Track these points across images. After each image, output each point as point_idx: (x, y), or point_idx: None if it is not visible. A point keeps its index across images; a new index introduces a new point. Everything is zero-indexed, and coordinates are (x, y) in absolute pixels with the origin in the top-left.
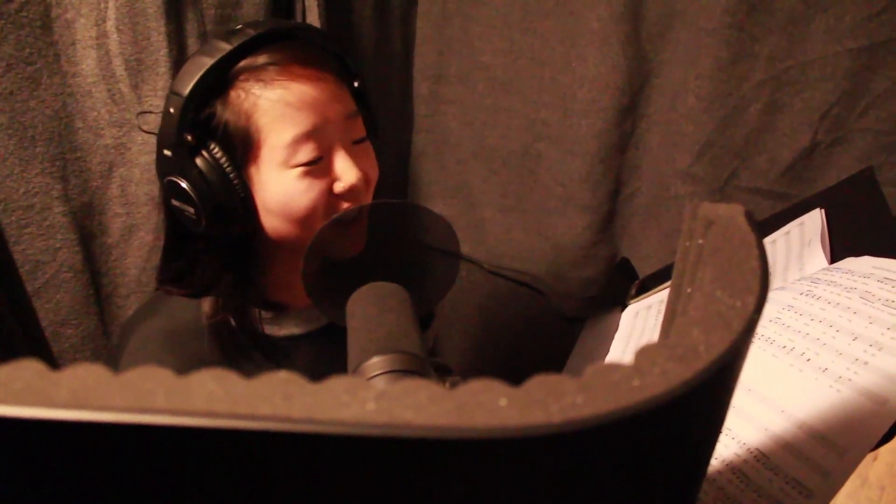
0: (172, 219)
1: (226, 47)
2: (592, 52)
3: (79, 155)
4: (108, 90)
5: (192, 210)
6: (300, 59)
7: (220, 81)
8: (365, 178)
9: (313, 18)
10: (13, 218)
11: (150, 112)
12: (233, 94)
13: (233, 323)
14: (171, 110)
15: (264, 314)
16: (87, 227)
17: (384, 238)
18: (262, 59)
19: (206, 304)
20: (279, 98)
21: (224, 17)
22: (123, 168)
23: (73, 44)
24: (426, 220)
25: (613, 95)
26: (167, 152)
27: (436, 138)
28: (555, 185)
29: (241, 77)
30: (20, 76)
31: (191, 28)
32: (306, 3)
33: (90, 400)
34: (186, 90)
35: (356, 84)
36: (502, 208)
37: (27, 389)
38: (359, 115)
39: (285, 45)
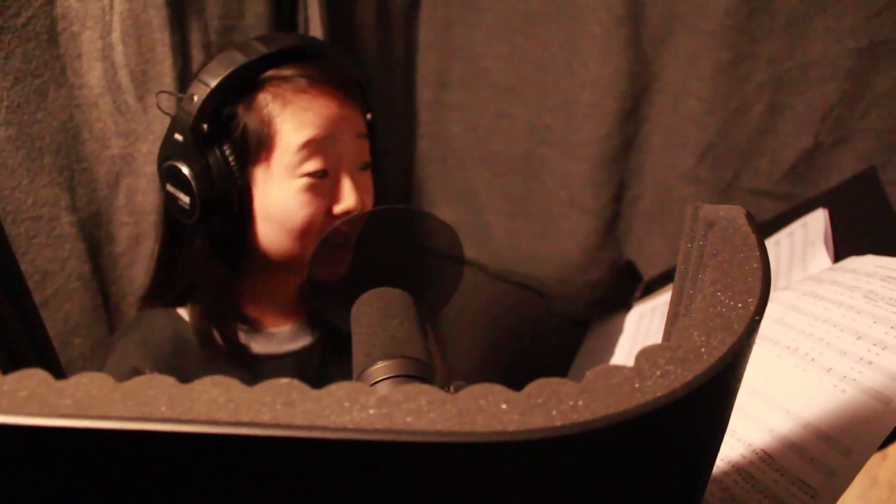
0: (170, 209)
1: (262, 49)
2: (594, 56)
3: (86, 165)
4: (114, 101)
5: (187, 200)
6: (327, 77)
7: (248, 82)
8: (362, 206)
9: (315, 27)
10: (22, 229)
11: (169, 93)
12: (260, 96)
13: (214, 334)
14: (195, 97)
15: (242, 327)
16: (94, 236)
17: (388, 243)
18: (292, 70)
19: (190, 315)
20: (302, 107)
21: (227, 27)
22: (130, 178)
23: (79, 56)
24: (430, 225)
25: (616, 99)
26: (178, 136)
27: (439, 144)
28: (558, 189)
29: (272, 82)
30: (27, 89)
31: (195, 39)
32: (309, 13)
33: (93, 409)
34: (214, 81)
35: (369, 117)
36: (506, 213)
37: (32, 398)
38: (367, 139)
39: (313, 61)
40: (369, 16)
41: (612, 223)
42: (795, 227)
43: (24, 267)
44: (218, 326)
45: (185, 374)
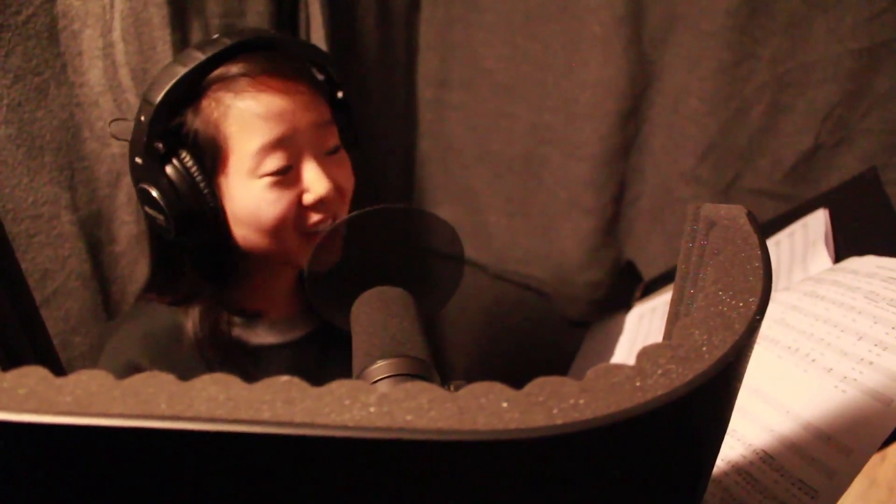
0: (152, 227)
1: (199, 56)
2: (595, 56)
3: (86, 164)
4: (115, 100)
5: (161, 218)
6: (273, 69)
7: (191, 91)
8: (337, 189)
9: (317, 26)
10: (22, 227)
11: (124, 119)
12: (204, 103)
13: (214, 331)
14: (142, 118)
15: (239, 321)
16: (95, 235)
17: (388, 243)
18: (234, 70)
19: (187, 313)
20: (248, 108)
21: (228, 26)
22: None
23: (80, 54)
24: (430, 224)
25: (616, 99)
26: (138, 160)
27: (440, 144)
28: (559, 189)
29: (213, 87)
30: (28, 87)
31: (195, 37)
32: (310, 12)
33: (93, 406)
34: (157, 98)
35: (339, 95)
36: (507, 212)
37: (31, 395)
38: (332, 125)
39: (260, 55)
40: (370, 15)
41: (613, 223)
42: (796, 228)
43: (24, 266)
44: (215, 329)
45: (183, 367)
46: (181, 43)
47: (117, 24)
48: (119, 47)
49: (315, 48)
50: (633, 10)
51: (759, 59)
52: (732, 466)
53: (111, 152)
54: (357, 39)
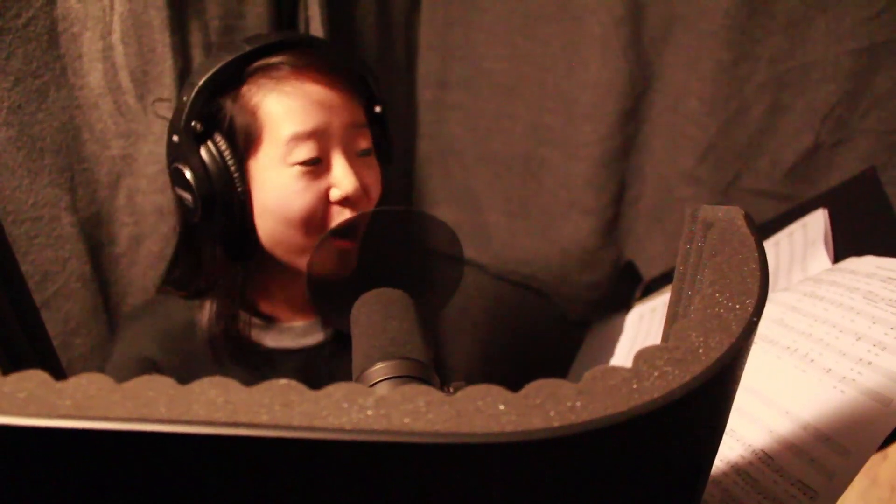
0: (183, 215)
1: (245, 47)
2: (594, 56)
3: (86, 166)
4: (115, 102)
5: (189, 198)
6: (315, 64)
7: (234, 77)
8: (364, 190)
9: (316, 26)
10: (22, 229)
11: (167, 100)
12: (244, 89)
13: (227, 329)
14: (185, 98)
15: (256, 322)
16: (95, 237)
17: (388, 244)
18: (278, 59)
19: (203, 308)
20: (287, 94)
21: (228, 28)
22: (130, 178)
23: (80, 57)
24: (430, 225)
25: (616, 99)
26: (175, 138)
27: (440, 144)
28: (559, 190)
29: (256, 75)
30: (28, 89)
31: (195, 40)
32: (309, 13)
33: (93, 410)
34: (200, 81)
35: (377, 109)
36: (507, 213)
37: (32, 399)
38: (366, 129)
39: (304, 51)
40: (370, 16)
41: (613, 223)
42: (795, 228)
43: (24, 267)
44: (231, 324)
45: (195, 364)
46: (181, 45)
47: (117, 27)
48: (119, 50)
49: (358, 59)
50: (632, 11)
51: (759, 59)
52: (732, 467)
53: (111, 154)
54: (357, 40)
